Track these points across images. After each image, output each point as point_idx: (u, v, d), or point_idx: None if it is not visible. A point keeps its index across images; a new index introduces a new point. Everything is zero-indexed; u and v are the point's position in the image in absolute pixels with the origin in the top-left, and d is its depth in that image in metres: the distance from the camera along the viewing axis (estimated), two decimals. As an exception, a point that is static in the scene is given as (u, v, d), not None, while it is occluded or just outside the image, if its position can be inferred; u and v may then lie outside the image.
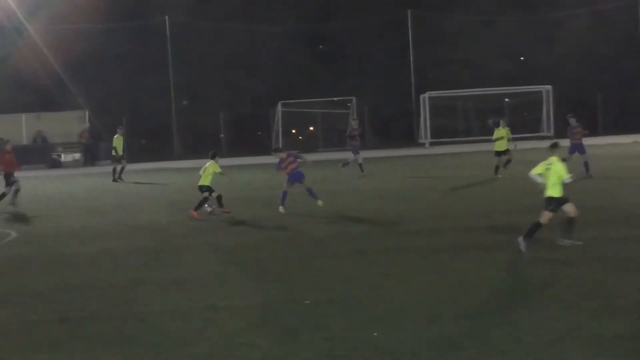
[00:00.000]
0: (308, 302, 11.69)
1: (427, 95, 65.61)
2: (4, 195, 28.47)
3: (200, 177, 23.09)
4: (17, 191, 28.47)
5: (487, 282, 12.42)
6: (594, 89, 71.76)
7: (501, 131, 31.91)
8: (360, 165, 34.97)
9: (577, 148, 29.77)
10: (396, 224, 19.46)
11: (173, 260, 15.96)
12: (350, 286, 12.63)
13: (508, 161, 31.45)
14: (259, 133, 73.38)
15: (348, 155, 36.99)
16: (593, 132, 66.07)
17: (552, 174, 14.75)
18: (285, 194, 22.96)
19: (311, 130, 77.34)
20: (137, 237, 19.54)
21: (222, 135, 72.46)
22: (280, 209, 22.61)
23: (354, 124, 36.42)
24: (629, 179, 27.61)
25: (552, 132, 64.34)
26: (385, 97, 72.61)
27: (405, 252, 15.38)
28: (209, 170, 22.99)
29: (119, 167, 38.84)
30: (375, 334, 9.95)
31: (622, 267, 13.11)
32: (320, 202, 22.99)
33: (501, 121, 33.06)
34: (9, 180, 28.46)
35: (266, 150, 43.20)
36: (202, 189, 22.88)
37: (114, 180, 38.17)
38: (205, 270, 14.56)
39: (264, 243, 17.52)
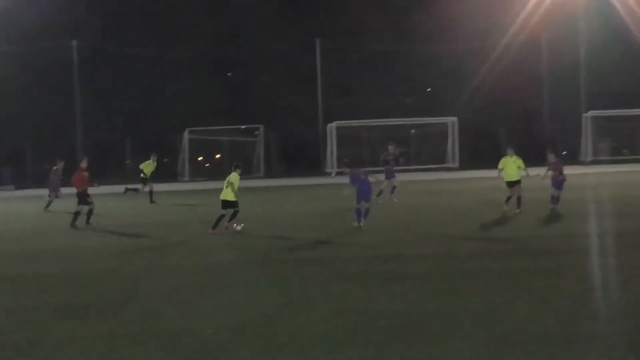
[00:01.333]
0: (211, 331, 11.51)
1: (334, 124, 66.04)
2: (77, 214, 27.53)
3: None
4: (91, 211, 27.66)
5: (385, 313, 12.39)
6: (498, 121, 73.31)
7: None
8: (394, 187, 34.65)
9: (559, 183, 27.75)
10: (295, 250, 19.45)
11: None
12: (250, 314, 12.49)
13: None
14: (165, 160, 72.81)
15: (258, 183, 37.02)
16: (495, 164, 67.45)
17: None
18: (359, 210, 23.80)
19: (217, 158, 77.09)
20: None
21: (127, 162, 71.65)
22: (360, 223, 23.60)
23: (390, 148, 36.15)
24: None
25: (457, 164, 65.40)
26: (293, 125, 72.89)
27: (304, 280, 15.32)
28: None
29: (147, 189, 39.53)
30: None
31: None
32: (361, 224, 23.68)
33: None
34: (85, 200, 27.55)
35: (172, 176, 43.02)
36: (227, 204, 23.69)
37: (151, 201, 38.48)
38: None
39: (173, 269, 17.27)
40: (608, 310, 12.16)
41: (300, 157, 75.58)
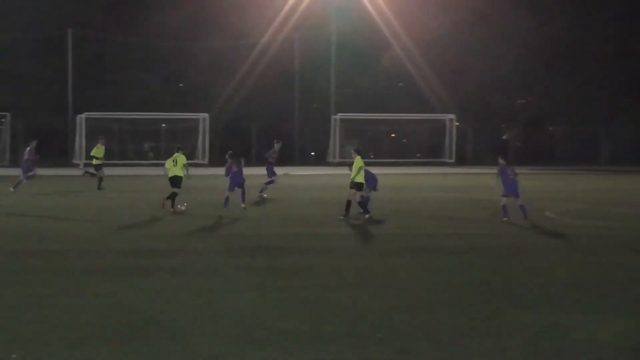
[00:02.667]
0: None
1: (83, 116, 64.62)
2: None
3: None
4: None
5: (131, 308, 12.32)
6: (250, 119, 74.14)
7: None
8: (269, 183, 34.01)
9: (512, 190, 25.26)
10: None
11: None
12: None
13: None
14: None
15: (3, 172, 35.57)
16: (248, 162, 68.34)
17: None
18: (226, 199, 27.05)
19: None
20: None
21: None
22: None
23: (276, 146, 35.07)
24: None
25: (207, 161, 65.51)
26: (42, 115, 70.64)
27: (47, 273, 14.98)
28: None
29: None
30: (14, 356, 9.68)
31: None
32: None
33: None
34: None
35: None
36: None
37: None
38: None
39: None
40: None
41: (48, 147, 73.16)
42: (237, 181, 27.45)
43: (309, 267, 16.11)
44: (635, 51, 74.97)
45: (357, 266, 16.36)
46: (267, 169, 34.22)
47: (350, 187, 25.50)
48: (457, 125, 70.34)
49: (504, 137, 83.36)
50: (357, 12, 70.34)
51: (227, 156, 28.25)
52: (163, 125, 73.01)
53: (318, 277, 15.06)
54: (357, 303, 12.81)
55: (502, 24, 71.13)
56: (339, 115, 68.61)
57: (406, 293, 13.57)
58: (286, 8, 71.11)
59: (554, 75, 74.96)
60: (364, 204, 25.45)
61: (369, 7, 70.15)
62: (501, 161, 25.60)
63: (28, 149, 36.17)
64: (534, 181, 30.66)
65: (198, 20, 73.21)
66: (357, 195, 25.33)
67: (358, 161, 25.48)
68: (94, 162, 39.37)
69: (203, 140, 67.00)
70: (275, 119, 76.68)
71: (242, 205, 27.39)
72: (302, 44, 74.52)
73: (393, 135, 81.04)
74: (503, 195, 25.17)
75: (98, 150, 39.40)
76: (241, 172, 27.72)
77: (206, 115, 67.22)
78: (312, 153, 78.28)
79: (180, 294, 13.28)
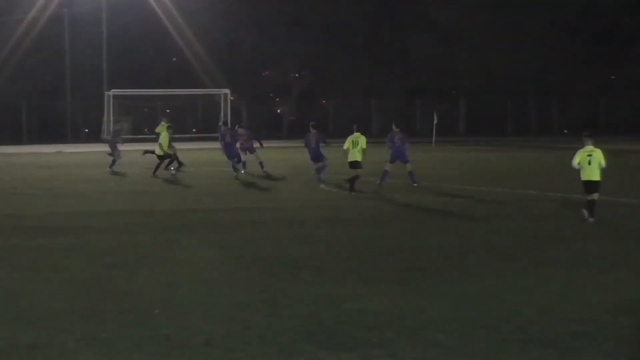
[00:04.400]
0: None
1: None
2: None
3: None
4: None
5: None
6: (19, 97, 71.39)
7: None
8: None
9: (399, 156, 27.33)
10: None
11: None
12: None
13: None
14: None
15: None
16: (19, 140, 66.08)
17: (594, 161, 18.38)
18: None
19: None
20: None
21: None
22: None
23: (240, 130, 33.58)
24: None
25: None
26: None
27: None
28: None
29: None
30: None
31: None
32: None
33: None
34: None
35: None
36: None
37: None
38: None
39: None
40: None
41: None
42: None
43: (83, 246, 15.83)
44: (401, 27, 77.83)
45: (134, 243, 16.21)
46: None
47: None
48: (231, 100, 70.52)
49: (278, 111, 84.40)
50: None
51: None
52: None
53: (90, 256, 14.85)
54: (134, 280, 12.72)
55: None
56: (112, 92, 67.18)
57: (185, 270, 13.59)
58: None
59: (326, 48, 76.40)
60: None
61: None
62: (395, 129, 27.64)
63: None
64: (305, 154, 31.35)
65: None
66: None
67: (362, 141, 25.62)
68: None
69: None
70: (46, 96, 74.39)
71: None
72: (72, 18, 72.42)
73: (168, 110, 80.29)
74: (389, 162, 27.01)
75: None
76: None
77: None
78: (86, 130, 76.40)
79: None
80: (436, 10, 76.26)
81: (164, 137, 31.95)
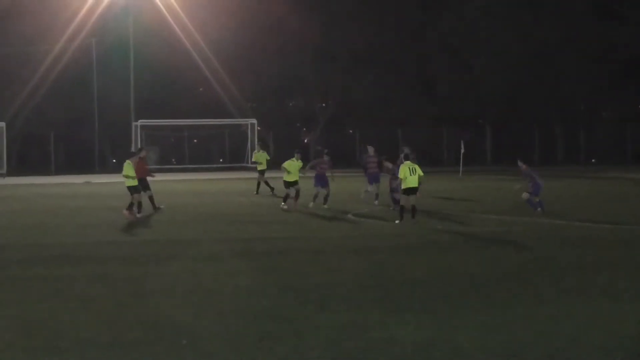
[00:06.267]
0: None
1: None
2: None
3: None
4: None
5: None
6: (48, 127, 71.94)
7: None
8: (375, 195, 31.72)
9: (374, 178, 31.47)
10: None
11: None
12: None
13: None
14: None
15: None
16: (47, 170, 66.56)
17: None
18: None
19: None
20: None
21: None
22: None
23: (370, 150, 32.76)
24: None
25: (4, 170, 63.22)
26: None
27: None
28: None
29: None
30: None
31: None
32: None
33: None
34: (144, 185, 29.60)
35: None
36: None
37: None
38: None
39: None
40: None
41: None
42: None
43: (110, 275, 15.87)
44: (426, 56, 78.01)
45: (161, 273, 16.22)
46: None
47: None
48: (258, 130, 70.81)
49: (305, 140, 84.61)
50: (154, 18, 69.63)
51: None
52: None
53: (116, 285, 14.89)
54: (160, 310, 12.73)
55: (297, 28, 72.33)
56: (140, 122, 67.58)
57: (211, 299, 13.58)
58: (82, 13, 69.41)
59: (352, 78, 76.66)
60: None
61: (167, 15, 69.61)
62: (370, 150, 31.88)
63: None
64: (337, 183, 31.49)
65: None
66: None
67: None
68: None
69: (0, 150, 64.24)
70: (74, 126, 75.07)
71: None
72: (99, 49, 73.14)
73: (195, 140, 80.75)
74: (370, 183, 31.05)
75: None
76: None
77: (2, 124, 64.35)
78: (114, 160, 76.90)
79: None
80: (465, 51, 76.79)
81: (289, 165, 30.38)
